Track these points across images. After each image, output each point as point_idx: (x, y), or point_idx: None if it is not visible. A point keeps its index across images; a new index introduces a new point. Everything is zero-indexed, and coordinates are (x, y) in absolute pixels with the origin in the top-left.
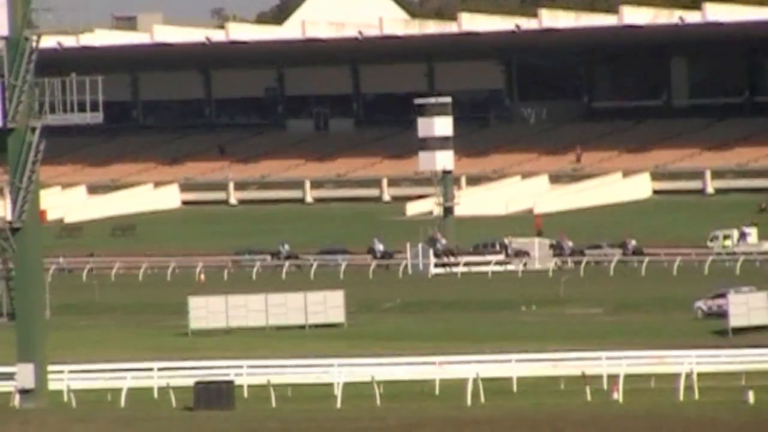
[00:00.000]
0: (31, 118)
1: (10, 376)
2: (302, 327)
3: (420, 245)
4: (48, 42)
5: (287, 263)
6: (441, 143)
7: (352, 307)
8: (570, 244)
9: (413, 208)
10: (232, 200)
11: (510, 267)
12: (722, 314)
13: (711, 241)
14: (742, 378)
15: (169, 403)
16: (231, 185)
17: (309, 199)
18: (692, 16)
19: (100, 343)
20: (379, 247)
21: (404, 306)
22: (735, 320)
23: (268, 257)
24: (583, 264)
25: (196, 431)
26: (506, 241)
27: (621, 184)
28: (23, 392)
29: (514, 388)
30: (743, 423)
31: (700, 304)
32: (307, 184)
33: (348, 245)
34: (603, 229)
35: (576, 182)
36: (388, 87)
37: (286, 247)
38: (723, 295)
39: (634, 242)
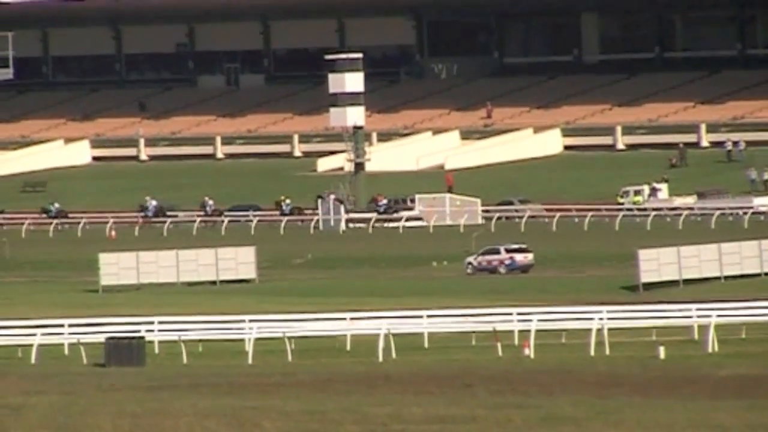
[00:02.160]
0: None
1: None
2: (213, 283)
3: (331, 200)
4: None
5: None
6: (352, 99)
7: (263, 263)
8: (384, 201)
9: (324, 164)
10: (143, 156)
11: (421, 223)
12: (491, 270)
13: (621, 197)
14: (653, 334)
15: (80, 359)
16: (142, 141)
17: (220, 155)
18: None
19: (10, 300)
20: (152, 203)
21: (315, 262)
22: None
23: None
24: (494, 220)
25: (107, 387)
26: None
27: (532, 140)
28: None
29: (426, 344)
30: (653, 377)
31: (471, 260)
32: (218, 140)
33: (259, 202)
34: (514, 185)
35: (487, 138)
36: (298, 42)
37: (211, 203)
38: (493, 252)
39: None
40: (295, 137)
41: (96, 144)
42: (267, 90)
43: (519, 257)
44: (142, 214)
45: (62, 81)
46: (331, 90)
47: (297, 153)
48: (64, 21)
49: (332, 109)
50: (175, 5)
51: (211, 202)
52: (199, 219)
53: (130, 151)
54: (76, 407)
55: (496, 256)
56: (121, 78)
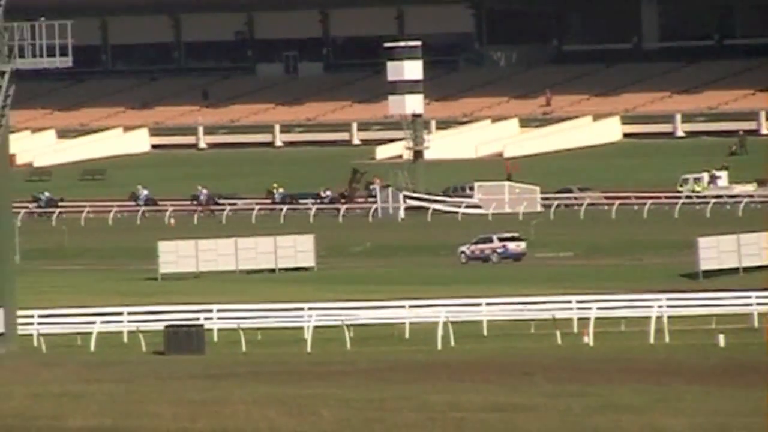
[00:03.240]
0: (0, 62)
1: None
2: (272, 271)
3: (389, 189)
4: None
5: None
6: (410, 87)
7: (321, 251)
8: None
9: (383, 152)
10: (202, 144)
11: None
12: (484, 259)
13: (681, 184)
14: (712, 322)
15: (140, 347)
16: (201, 129)
17: (278, 143)
18: None
19: (69, 288)
20: (144, 192)
21: (374, 250)
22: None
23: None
24: (553, 208)
25: (166, 375)
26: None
27: (591, 128)
28: None
29: (485, 332)
30: (713, 365)
31: (464, 249)
32: (277, 128)
33: (318, 190)
34: (573, 173)
35: (546, 126)
36: (357, 30)
37: (205, 191)
38: (486, 240)
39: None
40: (354, 125)
41: (155, 132)
42: (326, 78)
43: (512, 246)
44: (195, 202)
45: (121, 69)
46: (390, 78)
47: (356, 141)
48: (124, 9)
49: (391, 97)
50: None
51: (204, 191)
52: (258, 207)
53: (189, 139)
54: (135, 395)
55: (489, 245)
56: (180, 66)
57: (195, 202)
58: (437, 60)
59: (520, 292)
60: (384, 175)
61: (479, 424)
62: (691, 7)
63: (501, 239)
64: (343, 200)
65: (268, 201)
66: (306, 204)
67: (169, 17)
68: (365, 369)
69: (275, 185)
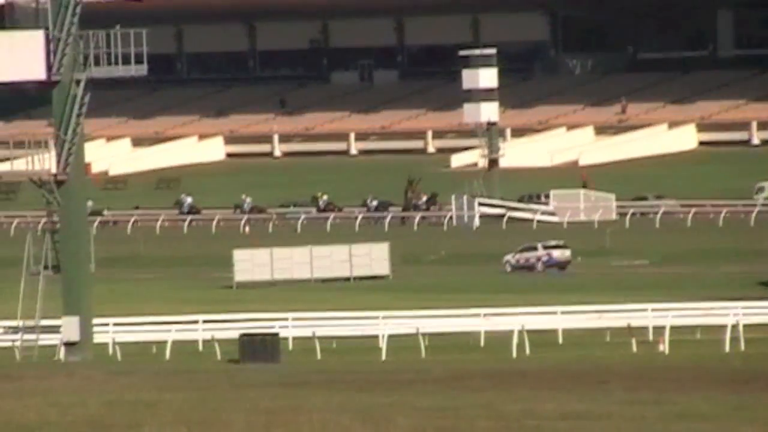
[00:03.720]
0: (75, 70)
1: (55, 329)
2: (347, 279)
3: (465, 197)
4: None
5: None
6: (486, 95)
7: (396, 260)
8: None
9: (458, 160)
10: (277, 152)
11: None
12: (529, 267)
13: (757, 192)
14: None
15: (214, 355)
16: (276, 138)
17: (353, 151)
18: None
19: (144, 296)
20: (188, 200)
21: (449, 258)
22: None
23: (314, 210)
24: (628, 215)
25: (241, 384)
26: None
27: (666, 136)
28: (68, 345)
29: (560, 340)
30: None
31: (509, 258)
32: (352, 137)
33: (393, 198)
34: (648, 181)
35: (621, 134)
36: (432, 38)
37: (325, 197)
38: (531, 249)
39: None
40: (429, 133)
41: (229, 140)
42: (401, 86)
43: (556, 254)
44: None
45: (196, 78)
46: (465, 86)
47: (430, 149)
48: (199, 17)
49: (466, 105)
50: (309, 1)
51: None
52: (333, 215)
53: (263, 148)
54: (209, 404)
55: (533, 253)
56: (254, 74)
57: (239, 210)
58: (512, 68)
59: (594, 300)
60: (459, 184)
61: None
62: (767, 14)
63: (546, 247)
64: (402, 209)
65: (314, 209)
66: (351, 212)
67: (244, 25)
68: (440, 377)
69: (320, 193)
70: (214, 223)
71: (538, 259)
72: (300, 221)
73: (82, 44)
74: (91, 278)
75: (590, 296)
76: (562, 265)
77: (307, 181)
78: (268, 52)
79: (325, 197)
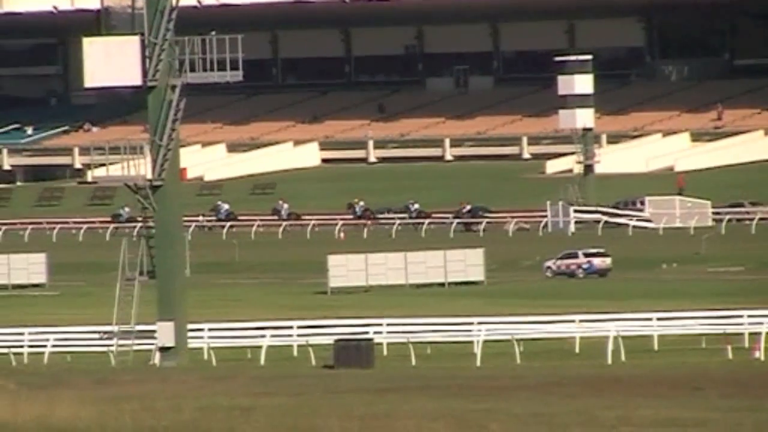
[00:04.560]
0: (171, 76)
1: (150, 335)
2: (442, 285)
3: (560, 203)
4: (187, 0)
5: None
6: (581, 101)
7: (491, 265)
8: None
9: (553, 166)
10: (372, 158)
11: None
12: (570, 274)
13: None
14: None
15: (309, 361)
16: (370, 143)
17: (448, 156)
18: None
19: (239, 302)
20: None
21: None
22: None
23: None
24: (724, 222)
25: (335, 389)
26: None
27: (762, 142)
28: (163, 350)
29: (655, 347)
30: None
31: (550, 264)
32: (447, 142)
33: (488, 204)
34: (744, 188)
35: (718, 140)
36: (528, 44)
37: (416, 206)
38: (571, 256)
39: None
40: (524, 139)
41: (325, 146)
42: (496, 92)
43: (597, 261)
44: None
45: (292, 83)
46: (561, 92)
47: (525, 155)
48: (294, 23)
49: (561, 111)
50: (405, 7)
51: (285, 206)
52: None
53: (358, 153)
54: (304, 409)
55: (574, 260)
56: (349, 80)
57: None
58: (608, 74)
59: (689, 307)
60: (554, 190)
61: None
62: None
63: (586, 254)
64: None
65: (350, 215)
66: (391, 218)
67: (339, 31)
68: (534, 384)
69: (356, 200)
70: (309, 228)
71: (579, 266)
72: (395, 227)
73: (178, 50)
74: (186, 283)
75: (686, 303)
76: (602, 273)
77: (402, 187)
78: (363, 58)
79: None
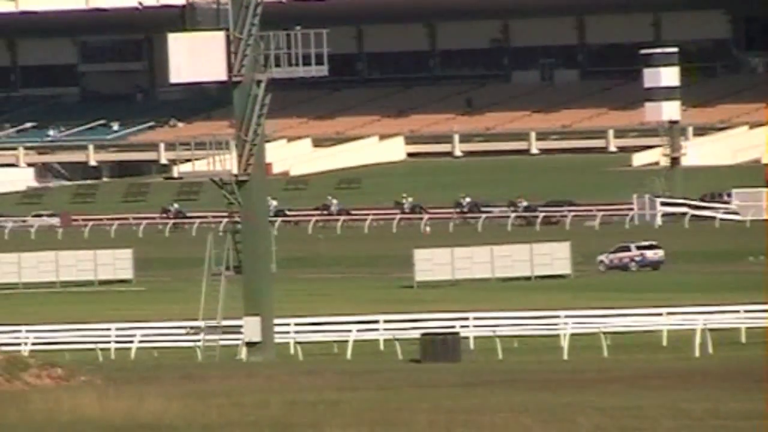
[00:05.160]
0: (256, 71)
1: (236, 330)
2: (528, 279)
3: (646, 196)
4: None
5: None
6: (667, 93)
7: (577, 258)
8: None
9: (639, 159)
10: (458, 152)
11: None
12: (623, 267)
13: None
14: None
15: (396, 355)
16: (456, 137)
17: (534, 150)
18: None
19: (325, 296)
20: (334, 201)
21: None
22: None
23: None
24: None
25: (422, 383)
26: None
27: None
28: (250, 345)
29: (743, 339)
30: None
31: (603, 258)
32: (533, 136)
33: (574, 197)
34: None
35: None
36: (613, 37)
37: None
38: (624, 249)
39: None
40: (610, 132)
41: (410, 140)
42: (581, 85)
43: (649, 254)
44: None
45: (377, 77)
46: (647, 84)
47: (612, 148)
48: (379, 17)
49: (647, 104)
50: (490, 1)
51: (335, 201)
52: (514, 215)
53: (444, 147)
54: (391, 403)
55: (627, 253)
56: (435, 74)
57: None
58: (694, 66)
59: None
60: (641, 182)
61: None
62: None
63: (639, 247)
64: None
65: (398, 211)
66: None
67: (424, 25)
68: (622, 376)
69: (404, 195)
70: (395, 222)
71: (632, 259)
72: (481, 220)
73: (263, 45)
74: (272, 278)
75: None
76: (655, 266)
77: (487, 181)
78: (448, 52)
79: (410, 198)
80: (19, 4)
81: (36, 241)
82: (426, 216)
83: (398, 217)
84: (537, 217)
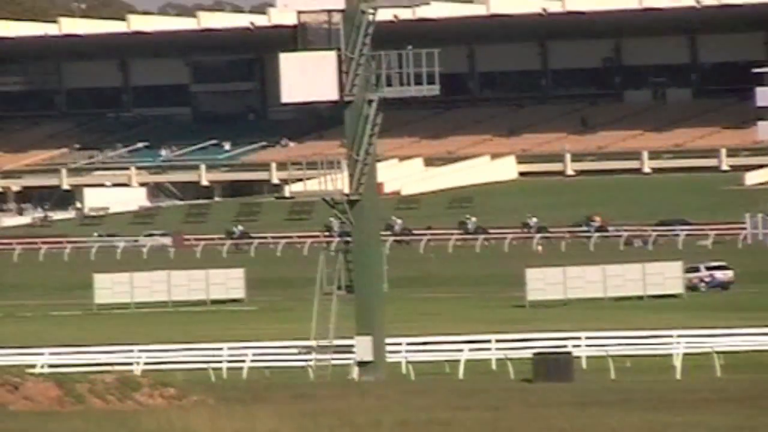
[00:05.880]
0: (367, 91)
1: (348, 349)
2: (640, 298)
3: (759, 215)
4: (384, 14)
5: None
6: None
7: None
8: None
9: (752, 178)
10: (569, 171)
11: None
12: (692, 288)
13: None
14: None
15: (508, 374)
16: (568, 156)
17: (646, 169)
18: None
19: (436, 316)
20: (398, 221)
21: (741, 276)
22: None
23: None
24: None
25: (535, 402)
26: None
27: None
28: (362, 365)
29: None
30: None
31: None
32: (645, 155)
33: (686, 216)
34: None
35: None
36: (726, 56)
37: (535, 220)
38: (693, 270)
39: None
40: (722, 151)
41: (522, 159)
42: (694, 104)
43: (719, 274)
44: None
45: (488, 97)
46: (759, 103)
47: (724, 167)
48: (491, 37)
49: (760, 123)
50: (602, 20)
51: (399, 221)
52: (627, 233)
53: (555, 167)
54: (503, 423)
55: (696, 274)
56: (546, 93)
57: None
58: None
59: None
60: (754, 202)
61: None
62: None
63: (708, 268)
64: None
65: (461, 232)
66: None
67: (536, 44)
68: (736, 396)
69: (468, 216)
70: (506, 242)
71: (701, 279)
72: (592, 240)
73: (374, 64)
74: (383, 298)
75: None
76: (724, 286)
77: (600, 200)
78: (560, 71)
79: (473, 219)
80: (131, 24)
81: (148, 260)
82: (538, 235)
83: (525, 236)
84: (608, 236)
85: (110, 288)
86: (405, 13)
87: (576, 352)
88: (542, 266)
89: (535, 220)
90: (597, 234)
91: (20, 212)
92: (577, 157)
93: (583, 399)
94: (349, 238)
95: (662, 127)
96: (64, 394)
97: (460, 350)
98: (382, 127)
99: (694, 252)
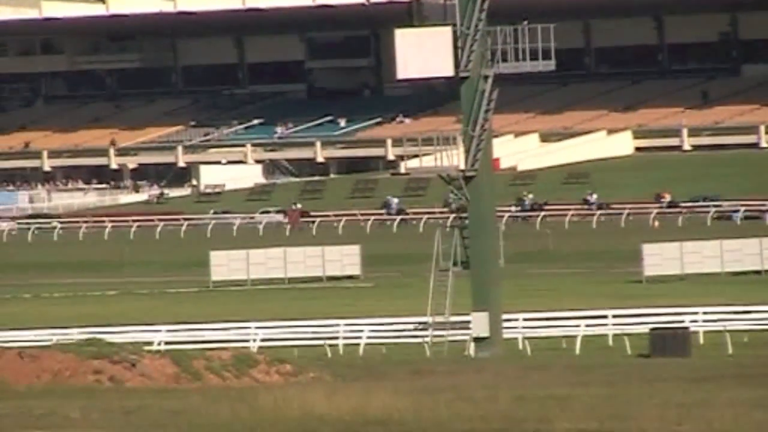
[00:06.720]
0: (483, 66)
1: (465, 325)
2: (758, 273)
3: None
4: None
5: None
6: None
7: None
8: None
9: None
10: (686, 146)
11: None
12: None
13: None
14: None
15: (624, 350)
16: (684, 131)
17: (763, 144)
18: None
19: (553, 291)
20: (394, 201)
21: None
22: None
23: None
24: None
25: (652, 378)
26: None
27: None
28: (478, 341)
29: None
30: None
31: None
32: (762, 129)
33: None
34: None
35: None
36: None
37: (396, 201)
38: None
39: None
40: None
41: (638, 135)
42: None
43: None
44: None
45: (604, 72)
46: None
47: None
48: (606, 11)
49: None
50: None
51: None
52: (743, 209)
53: (672, 141)
54: (620, 398)
55: None
56: (663, 68)
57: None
58: None
59: None
60: None
61: None
62: None
63: None
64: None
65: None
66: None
67: (652, 19)
68: None
69: (525, 193)
70: (623, 217)
71: None
72: (710, 215)
73: (490, 40)
74: (500, 274)
75: None
76: None
77: (715, 175)
78: (677, 45)
79: (531, 195)
80: (246, 0)
81: (263, 237)
82: (655, 211)
83: (655, 212)
84: (681, 212)
85: (226, 265)
86: None
87: (693, 327)
88: (659, 241)
89: (595, 196)
90: (668, 211)
91: (136, 189)
92: (693, 132)
93: (700, 374)
94: (465, 214)
95: None
96: (180, 371)
97: (577, 326)
98: (497, 103)
99: None
